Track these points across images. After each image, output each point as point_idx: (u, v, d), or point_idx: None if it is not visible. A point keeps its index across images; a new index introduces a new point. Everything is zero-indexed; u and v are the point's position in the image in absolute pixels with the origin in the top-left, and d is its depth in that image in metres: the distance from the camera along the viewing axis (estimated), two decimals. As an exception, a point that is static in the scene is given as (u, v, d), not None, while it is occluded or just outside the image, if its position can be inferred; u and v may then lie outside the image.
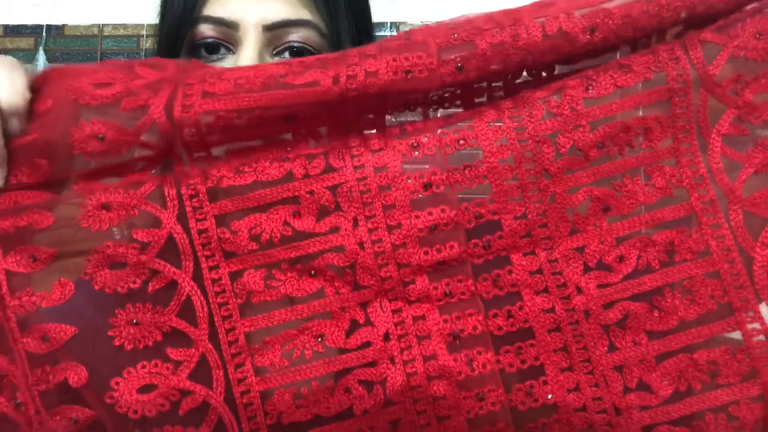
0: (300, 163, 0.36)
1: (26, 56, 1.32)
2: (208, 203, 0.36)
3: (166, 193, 0.36)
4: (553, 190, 0.37)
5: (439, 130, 0.37)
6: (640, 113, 0.38)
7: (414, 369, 0.37)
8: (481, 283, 0.37)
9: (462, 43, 0.36)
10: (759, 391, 0.36)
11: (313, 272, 0.37)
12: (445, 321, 0.37)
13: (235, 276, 0.36)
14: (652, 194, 0.37)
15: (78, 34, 1.32)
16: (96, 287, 0.35)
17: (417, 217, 0.37)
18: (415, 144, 0.37)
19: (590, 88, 0.37)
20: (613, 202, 0.37)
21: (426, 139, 0.37)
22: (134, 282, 0.35)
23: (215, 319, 0.36)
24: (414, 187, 0.37)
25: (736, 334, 0.37)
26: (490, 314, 0.37)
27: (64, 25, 1.32)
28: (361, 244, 0.37)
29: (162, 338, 0.35)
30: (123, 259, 0.35)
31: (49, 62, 1.30)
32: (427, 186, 0.37)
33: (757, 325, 0.36)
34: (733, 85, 0.37)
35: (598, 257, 0.37)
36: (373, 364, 0.36)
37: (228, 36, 0.50)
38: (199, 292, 0.36)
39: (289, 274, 0.37)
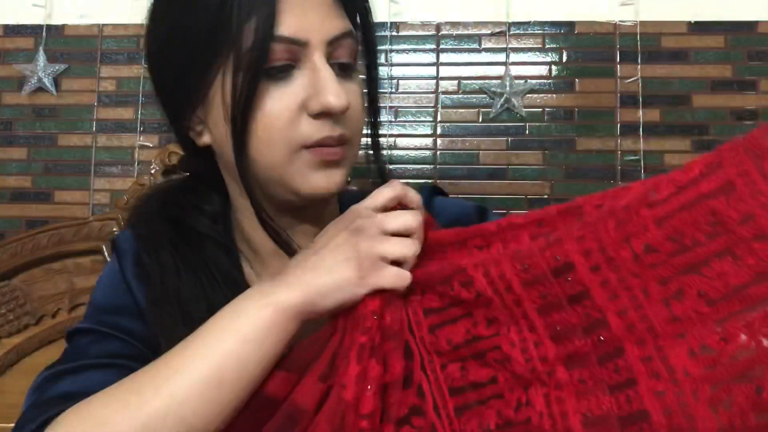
0: None
1: (26, 56, 1.32)
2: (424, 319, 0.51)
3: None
4: (643, 286, 0.42)
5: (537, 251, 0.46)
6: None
7: None
8: (604, 370, 0.43)
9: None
10: None
11: (486, 364, 0.48)
12: (579, 402, 0.44)
13: (443, 367, 0.49)
14: (744, 273, 0.38)
15: (78, 34, 1.32)
16: None
17: (544, 319, 0.46)
18: (526, 266, 0.46)
19: (653, 192, 0.41)
20: (705, 287, 0.39)
21: (534, 261, 0.46)
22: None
23: (435, 396, 0.48)
24: (534, 297, 0.46)
25: None
26: (614, 396, 0.42)
27: (64, 25, 1.31)
28: (512, 344, 0.47)
29: (407, 411, 0.48)
30: None
31: (49, 62, 1.30)
32: (543, 296, 0.46)
33: None
34: None
35: (701, 341, 0.39)
36: None
37: (296, 53, 0.54)
38: (425, 378, 0.49)
39: (474, 366, 0.48)
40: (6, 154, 1.31)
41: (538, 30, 1.26)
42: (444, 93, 1.25)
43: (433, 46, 1.28)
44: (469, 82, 1.25)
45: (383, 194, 0.52)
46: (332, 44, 0.55)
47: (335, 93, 0.53)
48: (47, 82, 1.29)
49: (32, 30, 1.32)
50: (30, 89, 1.29)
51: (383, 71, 1.28)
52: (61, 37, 1.32)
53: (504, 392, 0.47)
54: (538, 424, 0.45)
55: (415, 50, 1.28)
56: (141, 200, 0.73)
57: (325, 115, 0.55)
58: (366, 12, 0.59)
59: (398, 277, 0.49)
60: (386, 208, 0.52)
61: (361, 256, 0.49)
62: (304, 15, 0.52)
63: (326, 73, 0.54)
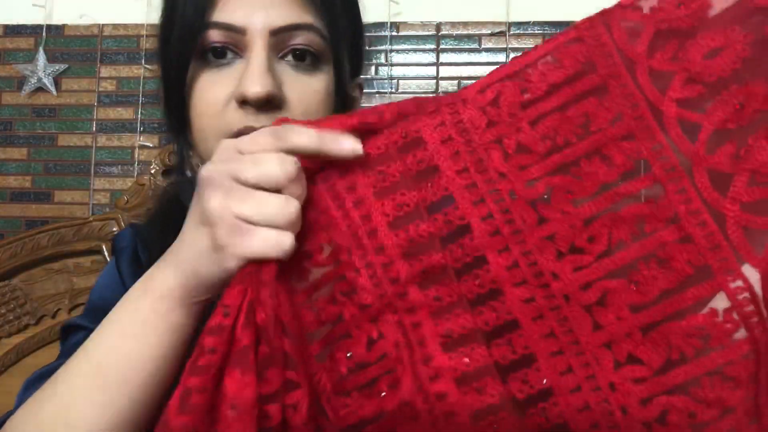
0: None
1: (26, 56, 1.32)
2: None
3: None
4: (511, 187, 0.39)
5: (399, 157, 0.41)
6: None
7: (418, 371, 0.39)
8: (464, 284, 0.39)
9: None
10: (749, 347, 0.36)
11: (334, 301, 0.41)
12: (437, 324, 0.39)
13: (296, 316, 0.41)
14: (613, 172, 0.38)
15: (78, 34, 1.32)
16: None
17: (396, 235, 0.40)
18: (382, 172, 0.40)
19: (525, 91, 0.39)
20: (574, 187, 0.38)
21: (389, 167, 0.40)
22: None
23: (304, 358, 0.41)
24: (388, 210, 0.40)
25: (721, 296, 0.36)
26: (476, 311, 0.39)
27: (64, 25, 1.32)
28: (356, 270, 0.40)
29: (280, 387, 0.40)
30: None
31: (49, 62, 1.30)
32: (399, 206, 0.40)
33: (740, 283, 0.36)
34: (672, 52, 0.37)
35: (569, 242, 0.38)
36: (392, 371, 0.40)
37: (236, 41, 0.52)
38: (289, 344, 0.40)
39: (323, 304, 0.41)
40: (6, 154, 1.31)
41: (538, 30, 1.26)
42: (444, 93, 1.25)
43: (433, 46, 1.28)
44: (469, 82, 1.25)
45: (259, 137, 0.39)
46: (278, 35, 0.52)
47: (254, 81, 0.50)
48: (47, 82, 1.29)
49: (32, 30, 1.32)
50: (30, 89, 1.29)
51: (383, 71, 1.28)
52: (61, 37, 1.32)
53: (351, 330, 0.40)
54: (396, 357, 0.40)
55: (415, 50, 1.28)
56: (152, 199, 0.74)
57: (247, 104, 0.51)
58: (331, 7, 0.54)
59: (270, 245, 0.37)
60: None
61: (213, 215, 0.37)
62: (248, 4, 0.51)
63: (255, 60, 0.50)
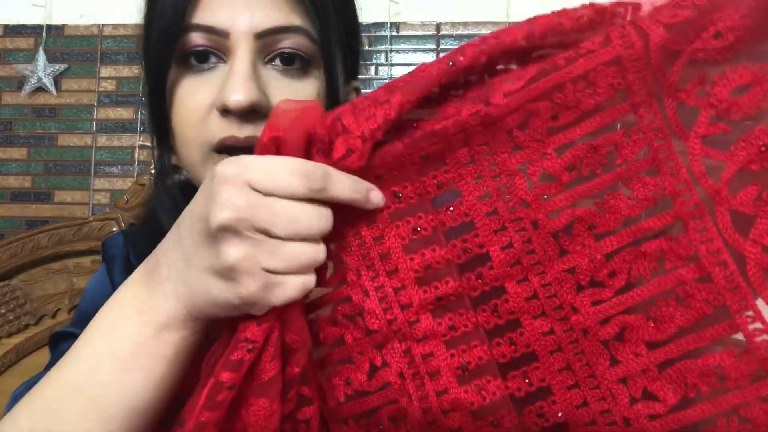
0: None
1: (26, 56, 1.32)
2: None
3: None
4: (533, 217, 0.38)
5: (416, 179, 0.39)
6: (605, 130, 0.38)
7: (428, 405, 0.38)
8: (481, 314, 0.39)
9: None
10: (766, 392, 0.35)
11: (335, 322, 0.40)
12: (452, 355, 0.38)
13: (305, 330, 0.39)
14: (636, 206, 0.37)
15: (78, 34, 1.32)
16: None
17: (411, 259, 0.39)
18: (399, 194, 0.39)
19: (556, 118, 0.38)
20: (597, 220, 0.38)
21: (406, 188, 0.39)
22: None
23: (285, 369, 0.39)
24: (403, 233, 0.39)
25: (740, 336, 0.36)
26: (494, 343, 0.38)
27: (64, 25, 1.32)
28: (365, 293, 0.39)
29: (294, 406, 0.39)
30: None
31: (49, 62, 1.30)
32: (415, 230, 0.39)
33: (759, 325, 0.35)
34: (701, 86, 0.37)
35: (589, 275, 0.38)
36: (395, 402, 0.39)
37: (218, 44, 0.48)
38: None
39: (323, 325, 0.40)
40: (6, 154, 1.31)
41: (538, 30, 1.26)
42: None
43: (433, 46, 1.28)
44: (469, 82, 1.25)
45: (286, 179, 0.35)
46: (264, 38, 0.48)
47: (236, 88, 0.46)
48: (47, 82, 1.29)
49: (32, 30, 1.32)
50: (30, 89, 1.29)
51: (383, 71, 1.28)
52: (61, 37, 1.32)
53: (353, 355, 0.39)
54: (401, 388, 0.38)
55: (415, 50, 1.28)
56: (144, 205, 0.70)
57: (229, 113, 0.47)
58: (322, 8, 0.50)
59: (298, 292, 0.35)
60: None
61: (240, 273, 0.34)
62: (231, 5, 0.48)
63: (238, 66, 0.47)
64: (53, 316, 1.17)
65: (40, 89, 1.30)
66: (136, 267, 0.56)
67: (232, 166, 0.35)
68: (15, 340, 1.16)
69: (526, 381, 0.38)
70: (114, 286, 0.58)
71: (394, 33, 1.29)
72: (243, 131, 0.47)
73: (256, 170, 0.34)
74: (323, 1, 0.50)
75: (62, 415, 0.38)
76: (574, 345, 0.38)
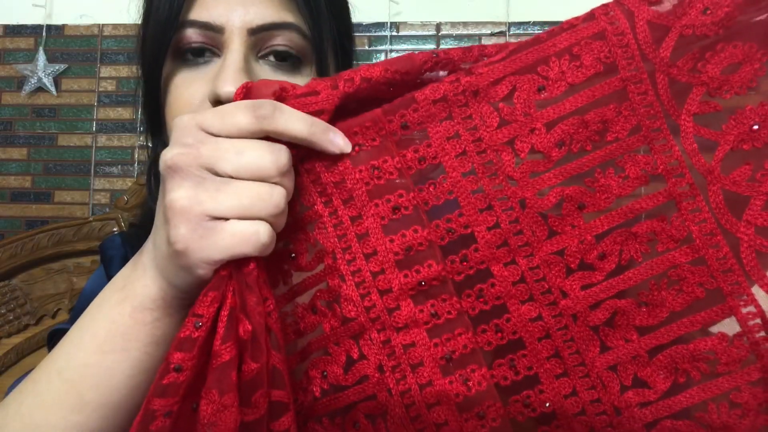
0: None
1: (26, 56, 1.32)
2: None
3: None
4: (521, 195, 0.36)
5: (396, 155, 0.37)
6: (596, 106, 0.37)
7: (411, 399, 0.36)
8: (465, 299, 0.36)
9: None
10: (759, 374, 0.34)
11: (314, 309, 0.37)
12: (436, 345, 0.36)
13: (279, 324, 0.36)
14: (627, 185, 0.36)
15: (78, 34, 1.32)
16: None
17: (391, 240, 0.36)
18: (378, 168, 0.36)
19: (542, 90, 0.36)
20: (587, 199, 0.36)
21: (386, 162, 0.36)
22: None
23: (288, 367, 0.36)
24: (383, 211, 0.36)
25: (731, 320, 0.35)
26: (479, 330, 0.36)
27: (64, 25, 1.31)
28: (342, 277, 0.36)
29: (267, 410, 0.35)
30: None
31: (49, 62, 1.30)
32: (395, 209, 0.36)
33: (752, 308, 0.34)
34: (693, 62, 0.36)
35: (579, 258, 0.36)
36: (372, 397, 0.36)
37: (213, 40, 0.49)
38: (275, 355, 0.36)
39: (301, 313, 0.37)
40: (6, 154, 1.31)
41: (538, 30, 1.26)
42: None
43: (433, 46, 1.28)
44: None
45: (234, 115, 0.33)
46: (257, 34, 0.49)
47: (227, 80, 0.46)
48: (47, 82, 1.29)
49: (32, 30, 1.32)
50: (30, 89, 1.29)
51: (383, 71, 1.28)
52: (61, 37, 1.32)
53: (329, 346, 0.36)
54: (379, 381, 0.36)
55: (415, 50, 1.28)
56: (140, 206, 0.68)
57: (221, 104, 0.47)
58: (315, 6, 0.51)
59: (242, 240, 0.32)
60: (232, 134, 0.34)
61: (174, 213, 0.32)
62: (226, 2, 0.49)
63: (229, 59, 0.48)
64: (53, 316, 1.17)
65: (40, 89, 1.30)
66: None
67: (188, 114, 0.34)
68: (15, 340, 1.16)
69: (513, 370, 0.36)
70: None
71: (394, 33, 1.28)
72: None
73: (208, 113, 0.34)
74: (317, 2, 0.51)
75: (44, 398, 0.37)
76: (563, 331, 0.36)
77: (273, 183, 0.33)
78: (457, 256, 0.36)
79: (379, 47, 1.28)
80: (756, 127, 0.35)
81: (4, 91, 1.32)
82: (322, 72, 0.53)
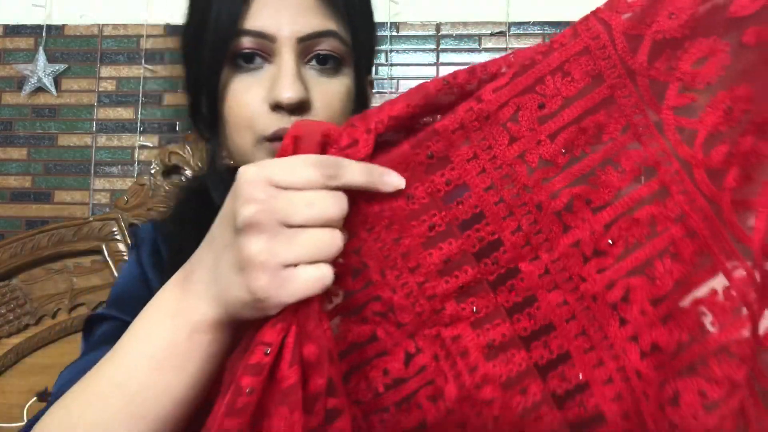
0: None
1: (26, 56, 1.32)
2: None
3: None
4: (537, 200, 0.42)
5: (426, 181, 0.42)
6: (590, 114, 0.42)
7: (462, 381, 0.42)
8: (500, 294, 0.42)
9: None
10: (748, 324, 0.39)
11: (365, 320, 0.43)
12: (478, 335, 0.42)
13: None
14: (625, 178, 0.41)
15: (78, 34, 1.32)
16: None
17: (430, 254, 0.42)
18: (411, 196, 0.42)
19: (543, 106, 0.41)
20: (593, 195, 0.41)
21: (417, 189, 0.42)
22: None
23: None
24: (420, 231, 0.42)
25: (721, 278, 0.40)
26: (514, 319, 0.42)
27: (64, 25, 1.32)
28: (393, 290, 0.42)
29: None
30: None
31: (49, 62, 1.30)
32: (431, 227, 0.42)
33: (736, 263, 0.40)
34: (667, 62, 0.41)
35: (592, 246, 0.41)
36: (431, 382, 0.42)
37: (264, 47, 0.55)
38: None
39: (350, 326, 0.43)
40: (6, 154, 1.31)
41: (538, 30, 1.26)
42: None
43: (433, 46, 1.28)
44: (469, 82, 1.25)
45: (302, 171, 0.37)
46: (305, 41, 0.55)
47: (287, 86, 0.53)
48: (47, 82, 1.29)
49: (32, 30, 1.32)
50: (30, 89, 1.29)
51: (383, 71, 1.28)
52: (61, 37, 1.32)
53: (387, 348, 0.42)
54: (436, 369, 0.42)
55: (415, 50, 1.28)
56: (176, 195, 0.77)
57: (280, 108, 0.55)
58: (351, 13, 0.58)
59: (312, 284, 0.36)
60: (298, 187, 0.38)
61: (254, 266, 0.35)
62: (276, 12, 0.55)
63: (285, 67, 0.54)
64: (53, 316, 1.17)
65: (40, 89, 1.30)
66: (163, 251, 0.63)
67: (253, 167, 0.37)
68: (15, 340, 1.16)
69: (547, 350, 0.42)
70: (142, 266, 0.65)
71: (394, 33, 1.29)
72: (291, 123, 0.52)
73: (274, 167, 0.37)
74: (354, 10, 0.58)
75: (105, 409, 0.41)
76: (586, 312, 0.41)
77: (333, 227, 0.37)
78: (489, 259, 0.42)
79: (379, 47, 1.28)
80: (729, 109, 0.40)
81: (4, 91, 1.32)
82: (358, 71, 0.60)
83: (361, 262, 0.42)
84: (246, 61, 0.56)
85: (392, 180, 0.40)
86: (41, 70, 1.29)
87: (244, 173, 0.37)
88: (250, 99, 0.56)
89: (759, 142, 0.39)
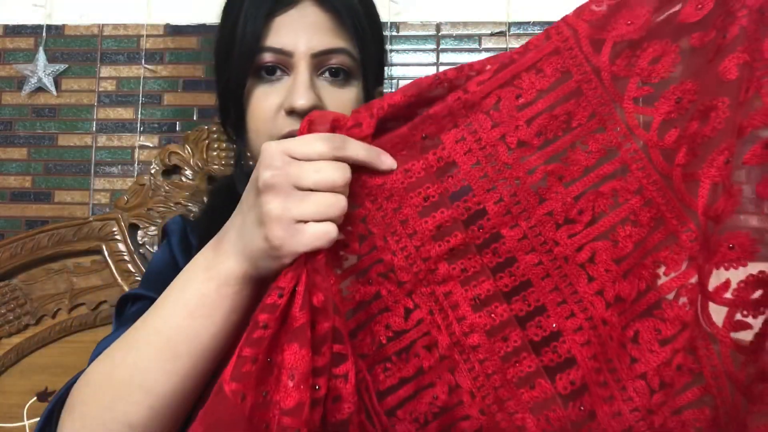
0: None
1: (26, 56, 1.32)
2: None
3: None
4: (516, 175, 0.49)
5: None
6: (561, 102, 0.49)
7: (453, 330, 0.49)
8: (485, 256, 0.49)
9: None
10: (695, 273, 0.46)
11: (370, 281, 0.49)
12: (466, 290, 0.49)
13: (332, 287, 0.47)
14: (591, 157, 0.48)
15: (78, 34, 1.32)
16: None
17: (425, 222, 0.49)
18: (409, 170, 0.49)
19: (519, 96, 0.49)
20: (564, 172, 0.48)
21: (414, 165, 0.49)
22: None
23: (339, 327, 0.47)
24: (417, 202, 0.49)
25: (674, 237, 0.47)
26: (497, 277, 0.49)
27: (64, 25, 1.32)
28: (394, 253, 0.49)
29: (329, 361, 0.45)
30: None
31: (49, 62, 1.30)
32: (426, 198, 0.49)
33: (684, 223, 0.47)
34: (627, 60, 0.48)
35: (564, 215, 0.49)
36: (427, 333, 0.49)
37: (284, 61, 0.65)
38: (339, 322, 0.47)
39: (357, 287, 0.49)
40: (6, 154, 1.31)
41: (538, 30, 1.26)
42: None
43: (433, 46, 1.28)
44: (469, 82, 1.25)
45: (313, 145, 0.45)
46: (318, 57, 0.64)
47: (301, 94, 0.62)
48: (47, 82, 1.29)
49: (32, 30, 1.32)
50: (30, 89, 1.29)
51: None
52: (61, 37, 1.32)
53: (389, 305, 0.49)
54: (431, 321, 0.49)
55: (415, 50, 1.28)
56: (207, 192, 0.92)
57: (294, 113, 0.63)
58: (360, 33, 0.67)
59: (318, 237, 0.43)
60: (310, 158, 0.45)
61: (271, 219, 0.43)
62: (293, 31, 0.64)
63: (300, 78, 0.63)
64: (53, 316, 1.17)
65: (40, 89, 1.30)
66: (192, 240, 0.74)
67: (274, 143, 0.46)
68: (15, 340, 1.16)
69: (526, 303, 0.49)
70: (172, 252, 0.74)
71: (394, 33, 1.28)
72: None
73: (291, 142, 0.45)
74: (363, 31, 0.67)
75: (145, 351, 0.48)
76: (559, 270, 0.48)
77: (338, 192, 0.45)
78: (475, 225, 0.49)
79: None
80: (678, 100, 0.47)
81: (4, 91, 1.32)
82: (366, 84, 0.70)
83: (367, 230, 0.49)
84: (268, 73, 0.65)
85: (387, 160, 0.48)
86: (41, 70, 1.29)
87: (267, 147, 0.45)
88: (268, 105, 0.65)
89: (702, 126, 0.46)
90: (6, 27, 1.33)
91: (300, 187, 0.44)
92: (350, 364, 0.45)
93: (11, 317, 1.16)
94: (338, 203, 0.44)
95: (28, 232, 1.18)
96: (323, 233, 0.43)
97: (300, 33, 0.64)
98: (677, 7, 0.47)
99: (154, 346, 0.48)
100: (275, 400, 0.41)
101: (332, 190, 0.44)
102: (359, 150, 0.46)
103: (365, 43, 0.68)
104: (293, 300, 0.43)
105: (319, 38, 0.65)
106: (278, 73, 0.66)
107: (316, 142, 0.45)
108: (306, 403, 0.41)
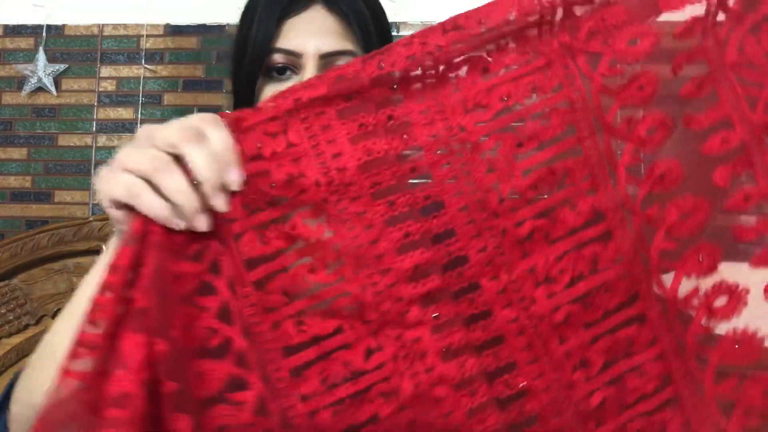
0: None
1: (26, 56, 1.32)
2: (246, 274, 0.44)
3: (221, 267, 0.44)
4: (503, 226, 0.47)
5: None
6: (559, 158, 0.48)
7: (419, 380, 0.46)
8: (461, 305, 0.46)
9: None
10: (659, 350, 0.48)
11: (332, 314, 0.45)
12: (437, 339, 0.46)
13: (275, 326, 0.44)
14: (578, 219, 0.47)
15: (78, 34, 1.32)
16: None
17: (402, 260, 0.46)
18: (392, 203, 0.46)
19: (520, 145, 0.47)
20: (550, 229, 0.47)
21: (400, 198, 0.46)
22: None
23: (265, 363, 0.44)
24: (397, 237, 0.46)
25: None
26: (471, 329, 0.46)
27: (64, 25, 1.32)
28: (363, 287, 0.45)
29: (223, 386, 0.42)
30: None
31: (49, 62, 1.30)
32: (406, 235, 0.46)
33: (657, 291, 0.48)
34: (628, 125, 0.47)
35: (545, 273, 0.47)
36: (387, 379, 0.45)
37: (293, 62, 0.67)
38: (246, 344, 0.43)
39: (315, 319, 0.45)
40: (6, 154, 1.31)
41: (538, 30, 1.26)
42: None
43: (433, 46, 1.28)
44: (469, 82, 1.25)
45: (169, 131, 0.41)
46: (326, 58, 0.66)
47: None
48: (47, 82, 1.29)
49: (32, 30, 1.32)
50: (30, 89, 1.29)
51: (383, 71, 1.29)
52: (61, 37, 1.32)
53: (350, 342, 0.45)
54: (394, 368, 0.46)
55: (415, 50, 1.28)
56: None
57: None
58: (366, 36, 0.69)
59: (131, 192, 0.39)
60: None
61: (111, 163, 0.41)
62: (303, 34, 0.67)
63: (308, 77, 0.63)
64: (53, 316, 1.17)
65: (40, 89, 1.30)
66: None
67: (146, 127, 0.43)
68: (15, 340, 1.16)
69: (497, 358, 0.47)
70: None
71: (394, 33, 1.29)
72: None
73: (161, 127, 0.42)
74: (370, 33, 0.69)
75: (65, 333, 0.43)
76: (534, 329, 0.47)
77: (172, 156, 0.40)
78: (454, 271, 0.46)
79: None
80: (641, 87, 0.47)
81: (4, 91, 1.32)
82: None
83: (338, 259, 0.45)
84: (278, 73, 0.68)
85: (234, 176, 0.42)
86: (41, 70, 1.29)
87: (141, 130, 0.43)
88: None
89: (682, 221, 0.47)
90: (6, 27, 1.33)
91: (153, 145, 0.40)
92: (252, 395, 0.42)
93: (11, 317, 1.16)
94: (178, 174, 0.39)
95: (28, 232, 1.18)
96: (139, 190, 0.39)
97: (309, 35, 0.67)
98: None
99: (64, 322, 0.48)
100: (108, 390, 0.37)
101: (173, 150, 0.40)
102: (209, 151, 0.41)
103: (372, 46, 0.70)
104: (136, 281, 0.38)
105: (328, 40, 0.68)
106: (288, 73, 0.69)
107: (171, 130, 0.41)
108: (138, 395, 0.36)
